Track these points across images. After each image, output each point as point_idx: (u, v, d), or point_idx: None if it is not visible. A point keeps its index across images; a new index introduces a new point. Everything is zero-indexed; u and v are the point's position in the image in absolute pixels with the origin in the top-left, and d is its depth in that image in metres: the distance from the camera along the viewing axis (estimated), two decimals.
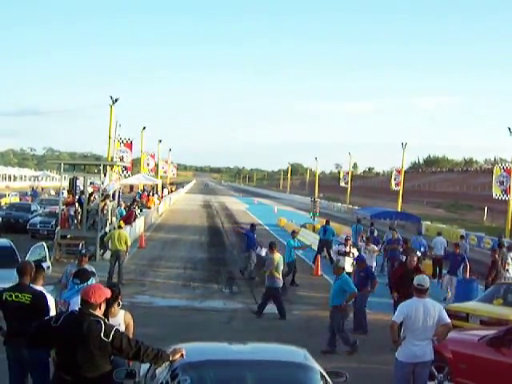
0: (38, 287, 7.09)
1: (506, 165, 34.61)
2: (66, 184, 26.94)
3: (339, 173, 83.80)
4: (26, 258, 11.45)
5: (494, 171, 34.92)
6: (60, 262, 18.67)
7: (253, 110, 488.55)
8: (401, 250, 19.27)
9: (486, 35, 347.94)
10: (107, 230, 21.68)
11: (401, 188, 48.39)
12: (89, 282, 8.39)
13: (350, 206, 61.67)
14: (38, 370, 6.64)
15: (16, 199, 43.45)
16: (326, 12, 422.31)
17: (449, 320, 7.66)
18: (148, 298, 15.70)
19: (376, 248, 18.89)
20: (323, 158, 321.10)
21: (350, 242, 17.81)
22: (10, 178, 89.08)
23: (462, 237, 25.55)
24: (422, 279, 7.72)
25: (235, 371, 5.27)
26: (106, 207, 22.45)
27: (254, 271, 18.94)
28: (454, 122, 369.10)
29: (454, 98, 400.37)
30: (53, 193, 54.18)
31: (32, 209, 30.54)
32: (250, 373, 5.24)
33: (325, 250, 22.97)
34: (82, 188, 23.59)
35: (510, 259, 16.95)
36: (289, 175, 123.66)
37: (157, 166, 56.84)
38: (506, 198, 33.12)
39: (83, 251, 12.75)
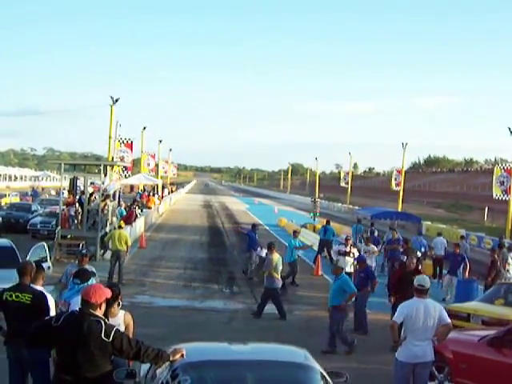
0: (38, 287, 7.09)
1: (507, 165, 34.60)
2: (66, 184, 26.97)
3: (339, 173, 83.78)
4: (27, 258, 11.44)
5: (495, 171, 34.90)
6: (60, 262, 18.66)
7: (253, 110, 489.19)
8: (401, 250, 19.27)
9: (486, 35, 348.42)
10: (107, 230, 21.67)
11: (401, 188, 48.38)
12: (89, 282, 8.38)
13: (351, 206, 61.67)
14: (38, 370, 6.65)
15: (16, 199, 43.45)
16: (326, 12, 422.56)
17: (449, 320, 7.66)
18: (148, 298, 15.70)
19: (376, 248, 18.85)
20: (323, 158, 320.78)
21: (350, 242, 17.80)
22: (10, 178, 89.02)
23: (462, 237, 25.54)
24: (423, 279, 7.72)
25: (235, 371, 5.27)
26: (106, 207, 22.46)
27: (254, 271, 18.95)
28: (454, 122, 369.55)
29: (454, 98, 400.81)
30: (53, 193, 54.18)
31: (32, 209, 30.53)
32: (250, 373, 5.24)
33: (325, 250, 22.98)
34: (82, 188, 23.64)
35: (510, 259, 16.96)
36: (289, 175, 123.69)
37: (157, 166, 56.84)
38: (507, 199, 33.10)
39: (84, 251, 12.75)
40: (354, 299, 13.21)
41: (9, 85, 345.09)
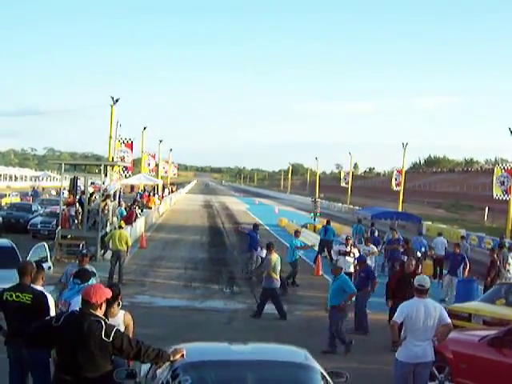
0: (38, 287, 7.09)
1: (507, 165, 34.61)
2: (66, 184, 26.99)
3: (340, 173, 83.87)
4: (28, 258, 11.44)
5: (495, 171, 34.93)
6: (61, 262, 18.65)
7: (253, 110, 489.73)
8: (401, 250, 19.28)
9: (486, 35, 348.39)
10: (108, 230, 21.67)
11: (401, 188, 48.38)
12: (89, 282, 8.39)
13: (351, 206, 61.68)
14: (38, 370, 6.65)
15: (17, 199, 43.45)
16: (326, 12, 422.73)
17: (449, 320, 7.66)
18: (148, 298, 15.70)
19: (375, 249, 18.80)
20: (324, 158, 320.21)
21: (350, 242, 17.80)
22: (10, 178, 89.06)
23: (462, 237, 25.57)
24: (423, 279, 7.72)
25: (236, 371, 5.27)
26: (106, 207, 22.46)
27: (254, 271, 18.94)
28: (455, 122, 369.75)
29: (454, 98, 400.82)
30: (54, 193, 54.19)
31: (33, 209, 30.56)
32: (250, 373, 5.24)
33: (325, 250, 22.98)
34: (82, 188, 23.63)
35: (510, 259, 16.95)
36: (289, 175, 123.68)
37: (157, 166, 56.86)
38: (507, 199, 33.11)
39: (84, 251, 12.77)
40: (354, 299, 13.26)
41: (9, 85, 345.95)
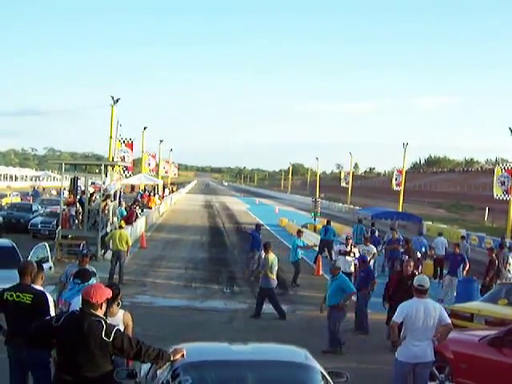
0: (38, 287, 7.09)
1: (507, 165, 34.60)
2: (67, 184, 26.98)
3: (340, 173, 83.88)
4: (29, 259, 11.44)
5: (495, 171, 34.92)
6: (61, 262, 18.65)
7: (253, 110, 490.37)
8: (402, 250, 19.27)
9: (486, 35, 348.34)
10: (108, 230, 21.68)
11: (402, 188, 48.37)
12: (90, 282, 8.39)
13: (351, 206, 61.69)
14: (38, 370, 6.64)
15: (17, 199, 43.44)
16: (326, 12, 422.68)
17: (449, 320, 7.66)
18: (149, 298, 15.70)
19: (375, 249, 18.74)
20: (324, 158, 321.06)
21: (350, 242, 17.80)
22: (11, 177, 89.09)
23: (462, 237, 25.58)
24: (423, 279, 7.72)
25: (236, 371, 5.27)
26: (107, 207, 22.47)
27: (255, 271, 18.93)
28: (455, 122, 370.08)
29: (454, 98, 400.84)
30: (54, 193, 54.20)
31: (33, 209, 30.54)
32: (250, 373, 5.24)
33: (326, 250, 22.98)
34: (83, 188, 23.62)
35: (511, 259, 16.96)
36: (290, 175, 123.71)
37: (158, 166, 56.87)
38: (507, 199, 33.10)
39: (84, 251, 12.75)
40: (355, 299, 13.26)
41: (9, 85, 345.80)
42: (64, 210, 22.04)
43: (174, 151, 75.38)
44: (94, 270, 10.03)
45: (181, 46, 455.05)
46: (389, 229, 24.13)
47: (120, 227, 18.61)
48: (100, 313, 5.31)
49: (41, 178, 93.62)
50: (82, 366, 5.15)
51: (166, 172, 67.24)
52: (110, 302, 6.09)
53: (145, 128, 49.03)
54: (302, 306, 15.52)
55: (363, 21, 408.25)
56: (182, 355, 5.36)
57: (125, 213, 27.97)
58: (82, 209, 21.98)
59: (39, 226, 26.14)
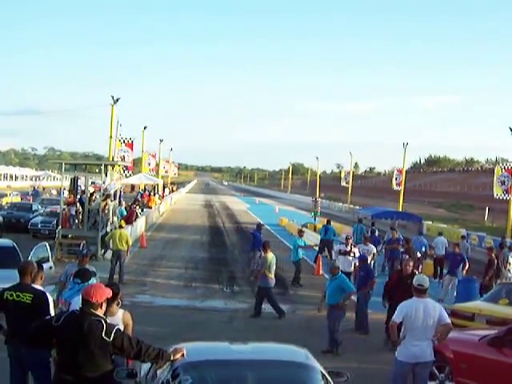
0: (38, 287, 7.09)
1: (507, 165, 34.59)
2: (67, 184, 26.98)
3: (340, 172, 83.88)
4: (29, 258, 11.44)
5: (495, 171, 34.91)
6: (61, 261, 18.65)
7: (253, 110, 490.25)
8: (401, 249, 19.26)
9: (486, 34, 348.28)
10: (108, 229, 21.68)
11: (402, 188, 48.36)
12: (90, 282, 8.39)
13: (351, 206, 61.71)
14: (38, 369, 6.64)
15: (17, 199, 43.45)
16: (327, 11, 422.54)
17: (449, 320, 7.66)
18: (149, 298, 15.70)
19: (374, 250, 18.69)
20: (324, 157, 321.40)
21: (350, 242, 17.79)
22: (11, 177, 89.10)
23: (462, 237, 25.58)
24: (422, 279, 7.72)
25: (236, 371, 5.27)
26: (107, 207, 22.47)
27: (254, 271, 18.94)
28: (455, 121, 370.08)
29: (454, 98, 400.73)
30: (54, 192, 54.21)
31: (33, 208, 30.55)
32: (250, 373, 5.24)
33: (326, 249, 22.97)
34: (83, 188, 23.61)
35: (511, 259, 16.95)
36: (290, 175, 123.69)
37: (158, 165, 56.87)
38: (507, 198, 33.09)
39: (84, 251, 12.75)
40: (356, 299, 13.26)
41: (9, 84, 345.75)
42: (64, 209, 22.04)
43: (174, 151, 75.49)
44: (94, 270, 10.03)
45: (181, 45, 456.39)
46: (389, 228, 24.12)
47: (120, 227, 18.61)
48: (100, 312, 5.31)
49: (41, 178, 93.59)
50: (82, 365, 5.15)
51: (166, 171, 67.24)
52: (109, 302, 6.09)
53: (145, 127, 49.10)
54: (302, 306, 15.51)
55: (363, 20, 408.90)
56: (182, 355, 5.36)
57: (125, 212, 27.98)
58: (82, 208, 21.98)
59: (39, 226, 26.15)
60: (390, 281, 12.52)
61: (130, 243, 18.54)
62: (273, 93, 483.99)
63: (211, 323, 13.11)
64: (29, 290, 6.72)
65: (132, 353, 5.31)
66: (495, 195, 34.46)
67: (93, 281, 8.73)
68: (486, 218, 57.28)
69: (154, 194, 47.75)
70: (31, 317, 6.29)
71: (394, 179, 51.61)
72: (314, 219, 35.29)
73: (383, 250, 21.45)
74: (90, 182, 25.42)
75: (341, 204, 68.58)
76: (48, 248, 14.00)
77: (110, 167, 23.17)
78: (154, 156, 53.00)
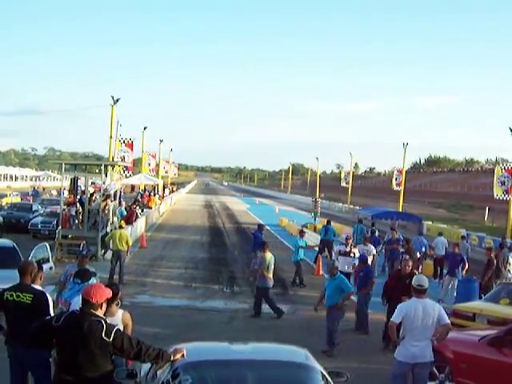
0: (37, 287, 7.08)
1: (507, 165, 34.59)
2: (67, 184, 26.98)
3: (340, 173, 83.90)
4: (29, 259, 11.44)
5: (495, 171, 34.90)
6: (61, 262, 18.65)
7: (253, 110, 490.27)
8: (401, 250, 19.25)
9: (486, 34, 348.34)
10: (108, 229, 21.69)
11: (402, 188, 48.36)
12: (90, 282, 8.39)
13: (351, 206, 61.71)
14: (38, 370, 6.64)
15: (17, 199, 43.44)
16: (327, 11, 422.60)
17: (448, 320, 7.66)
18: (149, 298, 15.69)
19: (374, 250, 18.67)
20: (324, 157, 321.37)
21: (350, 242, 17.78)
22: (11, 177, 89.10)
23: (462, 237, 25.58)
24: (422, 279, 7.72)
25: (236, 371, 5.27)
26: (107, 207, 22.46)
27: (254, 271, 18.94)
28: (455, 121, 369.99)
29: (454, 98, 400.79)
30: (54, 193, 54.20)
31: (33, 209, 30.54)
32: (250, 373, 5.24)
33: (326, 250, 22.97)
34: (83, 188, 23.61)
35: (511, 259, 16.95)
36: (290, 175, 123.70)
37: (158, 165, 56.88)
38: (507, 198, 33.08)
39: (84, 252, 12.76)
40: (356, 299, 13.25)
41: (9, 84, 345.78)
42: (64, 209, 22.03)
43: (174, 151, 75.56)
44: (94, 270, 10.03)
45: (181, 45, 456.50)
46: (389, 229, 24.11)
47: (120, 227, 18.61)
48: (100, 313, 5.31)
49: (41, 178, 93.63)
50: (82, 365, 5.15)
51: (166, 172, 67.26)
52: (109, 302, 6.09)
53: (145, 128, 49.11)
54: (302, 306, 15.50)
55: (363, 20, 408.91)
56: (182, 355, 5.36)
57: (125, 213, 27.98)
58: (82, 209, 21.98)
59: (39, 226, 26.14)
60: (389, 280, 12.52)
61: (130, 243, 18.53)
62: (273, 93, 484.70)
63: (211, 323, 13.11)
64: (29, 290, 6.72)
65: (132, 353, 5.30)
66: (495, 195, 34.45)
67: (93, 281, 8.72)
68: (485, 219, 57.28)
69: (154, 195, 47.76)
70: (31, 317, 6.29)
71: (394, 179, 51.61)
72: (314, 219, 35.29)
73: (383, 250, 21.45)
74: (90, 183, 25.42)
75: (341, 204, 68.58)
76: (48, 248, 14.00)
77: (110, 167, 23.16)
78: (153, 156, 53.00)
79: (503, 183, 33.28)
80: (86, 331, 5.15)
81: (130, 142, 37.66)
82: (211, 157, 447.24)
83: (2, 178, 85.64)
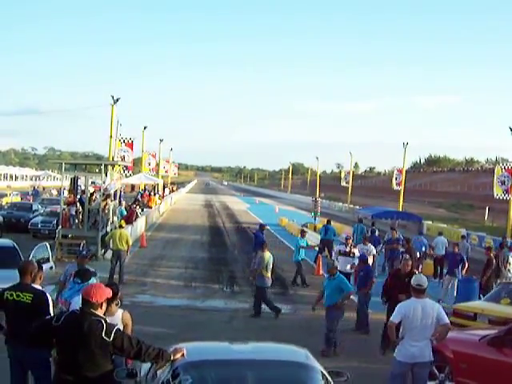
0: (37, 287, 7.08)
1: (507, 164, 34.58)
2: (67, 183, 26.98)
3: (340, 172, 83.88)
4: (30, 258, 11.43)
5: (496, 171, 34.89)
6: (61, 261, 18.64)
7: (253, 109, 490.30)
8: (402, 249, 19.25)
9: (486, 33, 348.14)
10: (108, 229, 21.68)
11: (402, 188, 48.35)
12: (90, 282, 8.38)
13: (351, 206, 61.71)
14: (39, 369, 6.64)
15: (17, 199, 43.45)
16: (327, 11, 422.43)
17: (447, 320, 7.66)
18: (149, 298, 15.69)
19: (374, 250, 18.65)
20: (324, 157, 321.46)
21: (350, 242, 17.77)
22: (11, 177, 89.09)
23: (462, 237, 25.57)
24: (421, 279, 7.71)
25: (236, 371, 5.27)
26: (107, 207, 22.46)
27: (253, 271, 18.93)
28: (455, 121, 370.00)
29: (454, 97, 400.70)
30: (54, 192, 54.19)
31: (33, 208, 30.55)
32: (251, 372, 5.23)
33: (326, 249, 22.96)
34: (83, 187, 23.61)
35: (511, 259, 16.94)
36: (290, 175, 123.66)
37: (158, 165, 56.86)
38: (507, 198, 33.08)
39: (84, 252, 12.73)
40: (356, 299, 13.24)
41: (9, 84, 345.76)
42: (64, 209, 22.03)
43: (174, 150, 75.53)
44: (94, 270, 10.02)
45: (181, 45, 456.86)
46: (389, 228, 24.11)
47: (120, 227, 18.60)
48: (100, 312, 5.32)
49: (41, 178, 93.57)
50: (82, 365, 5.15)
51: (166, 171, 67.24)
52: (108, 302, 6.10)
53: (145, 127, 49.11)
54: (302, 306, 15.47)
55: (363, 20, 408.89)
56: (183, 355, 5.36)
57: (125, 212, 27.98)
58: (82, 208, 21.98)
59: (39, 226, 26.14)
60: (388, 280, 12.52)
61: (130, 243, 18.52)
62: (273, 93, 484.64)
63: (211, 323, 13.11)
64: (29, 290, 6.72)
65: (132, 353, 5.30)
66: (495, 195, 34.45)
67: (93, 281, 8.72)
68: (486, 218, 57.28)
69: (154, 194, 47.75)
70: (31, 317, 6.29)
71: (394, 179, 51.59)
72: (314, 219, 35.29)
73: (383, 249, 21.44)
74: (90, 182, 25.41)
75: (341, 204, 68.58)
76: (48, 248, 13.99)
77: (110, 167, 23.16)
78: (154, 156, 52.99)
79: (503, 183, 33.27)
80: (86, 331, 5.15)
81: (130, 141, 37.64)
82: (211, 156, 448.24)
83: (2, 177, 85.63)
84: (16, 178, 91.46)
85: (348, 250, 17.11)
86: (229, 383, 5.21)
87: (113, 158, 32.26)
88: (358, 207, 53.15)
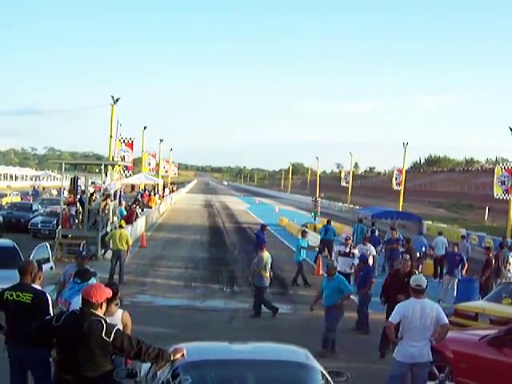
0: (37, 287, 7.08)
1: (507, 164, 34.58)
2: (67, 184, 26.98)
3: (340, 172, 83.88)
4: (30, 258, 11.42)
5: (495, 171, 34.89)
6: (61, 261, 18.64)
7: (253, 109, 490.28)
8: (401, 249, 19.23)
9: (487, 33, 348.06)
10: (108, 229, 21.68)
11: (402, 188, 48.35)
12: (89, 282, 8.38)
13: (351, 206, 61.70)
14: (38, 369, 6.64)
15: (17, 199, 43.44)
16: (327, 11, 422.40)
17: (447, 320, 7.65)
18: (149, 298, 15.69)
19: (374, 251, 18.63)
20: (324, 157, 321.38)
21: (350, 242, 17.76)
22: (11, 177, 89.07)
23: (462, 237, 25.57)
24: (420, 279, 7.71)
25: (236, 371, 5.27)
26: (107, 207, 22.46)
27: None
28: (455, 121, 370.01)
29: (454, 97, 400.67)
30: (54, 192, 54.18)
31: (33, 208, 30.54)
32: (251, 372, 5.24)
33: (326, 249, 22.96)
34: (83, 187, 23.61)
35: (511, 259, 16.95)
36: (290, 175, 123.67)
37: (158, 165, 56.85)
38: (507, 198, 33.08)
39: (83, 252, 12.74)
40: (357, 299, 13.24)
41: (9, 84, 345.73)
42: (64, 209, 22.03)
43: (174, 150, 75.49)
44: (94, 271, 10.01)
45: (181, 45, 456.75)
46: (389, 228, 24.10)
47: (120, 227, 18.61)
48: (100, 312, 5.32)
49: (41, 178, 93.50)
50: (82, 365, 5.15)
51: (166, 171, 67.22)
52: (108, 302, 6.09)
53: (145, 127, 49.11)
54: (302, 306, 15.47)
55: (363, 20, 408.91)
56: (182, 355, 5.36)
57: (125, 212, 27.97)
58: (82, 208, 21.98)
59: (39, 226, 26.14)
60: (387, 279, 12.52)
61: (130, 243, 18.52)
62: (273, 93, 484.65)
63: (211, 323, 13.11)
64: (29, 290, 6.72)
65: (132, 353, 5.31)
66: (495, 195, 34.45)
67: (93, 281, 8.72)
68: (486, 218, 57.28)
69: (154, 194, 47.75)
70: (31, 317, 6.29)
71: (394, 179, 51.57)
72: (314, 219, 35.29)
73: (383, 250, 21.44)
74: (90, 182, 25.41)
75: (341, 204, 68.58)
76: (49, 248, 13.99)
77: (110, 167, 23.16)
78: (154, 156, 52.98)
79: (503, 183, 33.26)
80: (86, 331, 5.15)
81: (130, 141, 37.63)
82: (211, 156, 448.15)
83: (2, 177, 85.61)
84: (16, 178, 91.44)
85: (348, 250, 17.11)
86: (229, 383, 5.21)
87: (113, 158, 32.26)
88: (357, 207, 53.15)
